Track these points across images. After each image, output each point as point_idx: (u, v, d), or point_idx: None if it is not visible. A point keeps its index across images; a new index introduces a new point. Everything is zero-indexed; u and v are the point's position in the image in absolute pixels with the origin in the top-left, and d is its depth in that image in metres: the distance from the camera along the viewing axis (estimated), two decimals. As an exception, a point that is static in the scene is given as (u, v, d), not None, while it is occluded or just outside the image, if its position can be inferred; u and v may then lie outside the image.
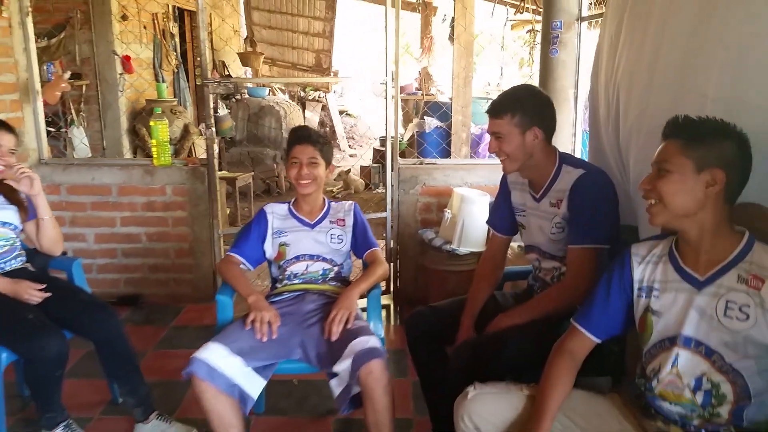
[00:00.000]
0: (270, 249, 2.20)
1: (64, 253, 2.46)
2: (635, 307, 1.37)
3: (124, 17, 4.87)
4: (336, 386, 1.88)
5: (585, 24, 3.09)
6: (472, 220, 3.16)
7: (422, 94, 7.16)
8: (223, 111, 7.01)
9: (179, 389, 2.60)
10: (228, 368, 1.82)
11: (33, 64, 3.42)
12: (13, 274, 2.23)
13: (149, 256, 3.52)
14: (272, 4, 9.02)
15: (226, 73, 7.21)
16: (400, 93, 3.48)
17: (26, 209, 2.32)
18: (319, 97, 10.10)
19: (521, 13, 4.87)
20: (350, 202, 2.32)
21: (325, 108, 10.22)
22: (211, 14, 7.16)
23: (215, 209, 3.34)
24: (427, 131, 4.94)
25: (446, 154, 4.52)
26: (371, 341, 1.86)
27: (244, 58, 7.17)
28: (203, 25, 3.07)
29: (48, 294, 2.16)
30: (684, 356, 1.26)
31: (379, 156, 6.77)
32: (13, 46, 3.30)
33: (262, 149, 7.56)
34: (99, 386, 2.53)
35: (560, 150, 1.93)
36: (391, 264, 3.48)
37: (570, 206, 1.78)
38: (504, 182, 2.09)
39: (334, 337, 1.89)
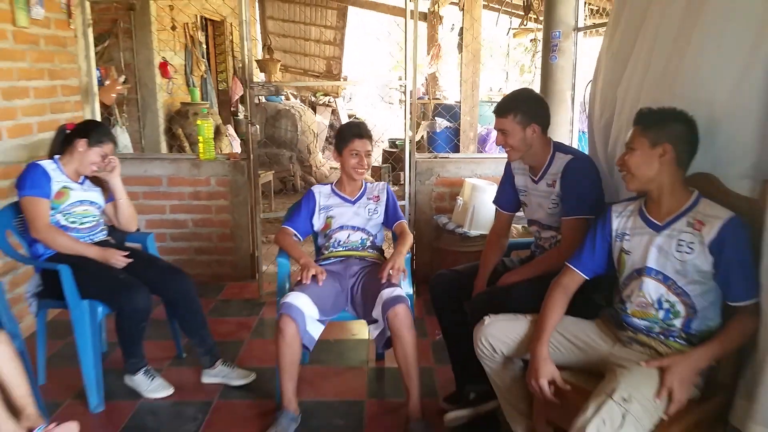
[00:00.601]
0: (318, 222, 2.64)
1: (137, 230, 2.90)
2: (613, 250, 1.81)
3: (173, 27, 5.29)
4: (374, 330, 2.33)
5: (581, 34, 3.53)
6: (481, 207, 3.59)
7: (429, 98, 7.61)
8: (242, 114, 7.46)
9: (233, 347, 3.03)
10: (309, 312, 2.26)
11: (92, 70, 3.88)
12: (98, 245, 2.66)
13: (195, 240, 3.96)
14: (286, 13, 9.49)
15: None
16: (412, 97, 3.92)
17: (108, 190, 2.76)
18: (329, 101, 10.56)
19: (525, 24, 5.30)
20: (383, 183, 2.76)
21: (334, 112, 10.66)
22: (231, 24, 7.62)
23: (258, 195, 3.77)
24: (439, 130, 5.39)
25: (456, 150, 4.96)
26: (396, 291, 2.30)
27: (262, 65, 7.61)
28: (247, 36, 3.52)
29: (131, 260, 2.60)
30: (648, 283, 1.70)
31: (388, 156, 7.20)
32: (77, 53, 3.75)
33: (279, 150, 7.99)
34: (166, 345, 2.97)
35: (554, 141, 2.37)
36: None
37: (562, 185, 2.22)
38: (508, 168, 2.52)
39: (385, 280, 2.32)
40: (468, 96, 5.34)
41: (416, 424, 2.28)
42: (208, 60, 7.11)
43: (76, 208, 2.64)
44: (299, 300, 2.27)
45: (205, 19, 6.95)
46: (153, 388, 2.58)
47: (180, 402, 2.56)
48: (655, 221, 1.72)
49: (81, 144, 2.61)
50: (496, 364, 1.93)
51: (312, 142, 8.23)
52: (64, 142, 2.67)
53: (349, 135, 2.58)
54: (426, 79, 8.48)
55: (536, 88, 3.92)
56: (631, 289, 1.75)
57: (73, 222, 2.61)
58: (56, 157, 2.65)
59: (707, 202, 1.67)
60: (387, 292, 2.29)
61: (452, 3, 6.82)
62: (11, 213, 2.65)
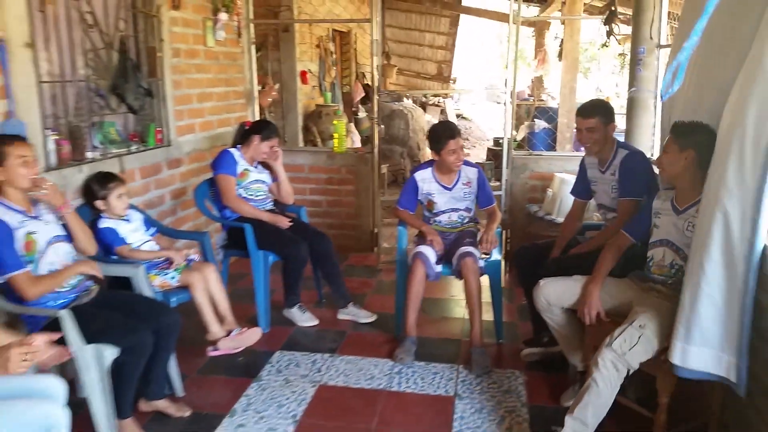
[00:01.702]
0: (423, 199, 3.38)
1: (293, 203, 3.82)
2: (652, 223, 2.44)
3: (318, 46, 6.26)
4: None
5: (663, 50, 4.02)
6: (568, 197, 4.15)
7: (534, 100, 8.15)
8: (362, 114, 8.41)
9: (359, 298, 3.85)
10: (431, 258, 3.09)
11: (254, 79, 4.91)
12: (268, 212, 3.59)
13: (327, 217, 4.88)
14: (403, 22, 10.36)
15: (365, 82, 8.61)
16: (514, 98, 4.59)
17: (273, 172, 3.70)
18: (438, 101, 11.33)
19: (609, 39, 5.67)
20: (475, 168, 3.38)
21: (443, 112, 11.41)
22: (356, 34, 8.59)
23: (379, 183, 4.62)
24: (537, 131, 5.99)
25: (552, 149, 5.56)
26: (470, 248, 3.06)
27: (381, 70, 8.53)
28: (377, 51, 4.36)
29: (292, 223, 3.51)
30: (665, 251, 2.31)
31: (491, 154, 7.82)
32: (244, 65, 4.79)
33: (392, 147, 8.85)
34: (310, 294, 3.84)
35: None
36: (503, 232, 4.58)
37: (619, 174, 2.85)
38: (582, 164, 3.17)
39: (483, 252, 3.09)
40: (566, 99, 5.89)
41: (475, 349, 3.04)
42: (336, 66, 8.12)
43: (253, 185, 3.58)
44: (426, 250, 3.10)
45: (335, 31, 7.97)
46: (304, 318, 3.50)
47: (322, 330, 3.45)
48: (677, 206, 2.32)
49: (256, 138, 3.55)
50: (553, 314, 2.61)
51: (421, 139, 9.02)
52: (243, 135, 3.63)
53: (443, 137, 3.17)
54: (532, 82, 9.01)
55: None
56: (653, 253, 2.39)
57: (250, 195, 3.56)
58: (238, 146, 3.61)
59: None
60: (462, 249, 3.05)
61: (553, 18, 7.33)
62: (206, 187, 3.65)
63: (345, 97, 8.21)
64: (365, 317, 3.53)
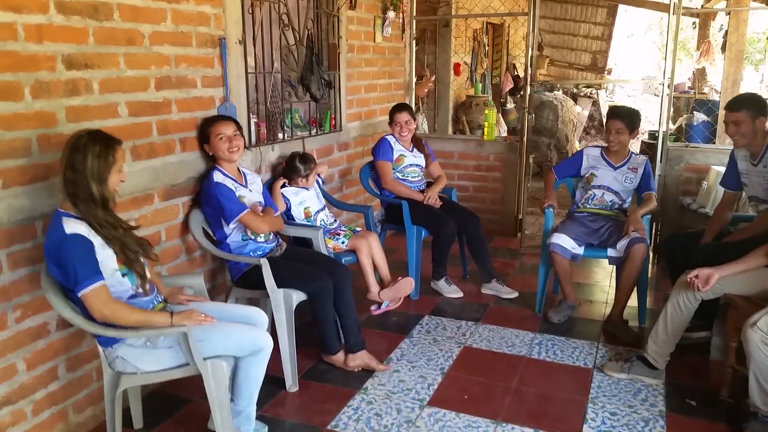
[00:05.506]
0: (583, 173, 3.55)
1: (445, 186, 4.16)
2: None
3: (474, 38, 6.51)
4: (613, 254, 3.26)
5: None
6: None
7: (695, 93, 7.71)
8: (510, 105, 8.52)
9: (502, 277, 4.10)
10: (566, 244, 3.29)
11: (413, 71, 5.31)
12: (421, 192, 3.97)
13: (473, 201, 5.16)
14: (558, 12, 10.24)
15: (516, 73, 8.70)
16: (673, 90, 4.51)
17: (428, 156, 4.05)
18: (590, 93, 11.02)
19: None
20: (644, 156, 3.52)
21: (595, 103, 11.09)
22: (509, 26, 8.71)
23: (529, 167, 4.82)
24: (695, 124, 5.76)
25: (710, 142, 5.34)
26: (641, 236, 3.16)
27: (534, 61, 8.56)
28: (533, 45, 4.54)
29: (442, 203, 3.86)
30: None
31: (645, 147, 7.56)
32: (403, 59, 5.20)
33: (539, 138, 8.84)
34: (456, 270, 4.16)
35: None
36: (653, 224, 4.55)
37: None
38: (732, 156, 3.16)
39: (630, 236, 3.19)
40: (728, 92, 5.59)
41: (613, 323, 3.28)
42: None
43: (408, 168, 3.97)
44: (560, 239, 3.29)
45: (488, 23, 8.16)
46: (450, 290, 3.83)
47: (466, 302, 3.76)
48: None
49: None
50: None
51: (571, 131, 8.92)
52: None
53: (607, 122, 3.45)
54: (693, 74, 8.51)
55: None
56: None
57: (405, 177, 3.96)
58: (393, 133, 4.01)
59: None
60: (635, 235, 3.17)
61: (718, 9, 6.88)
62: (368, 169, 4.10)
63: (494, 88, 8.38)
64: (507, 293, 3.78)
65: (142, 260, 2.15)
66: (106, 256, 2.01)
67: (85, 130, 2.02)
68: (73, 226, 1.96)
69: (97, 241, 1.99)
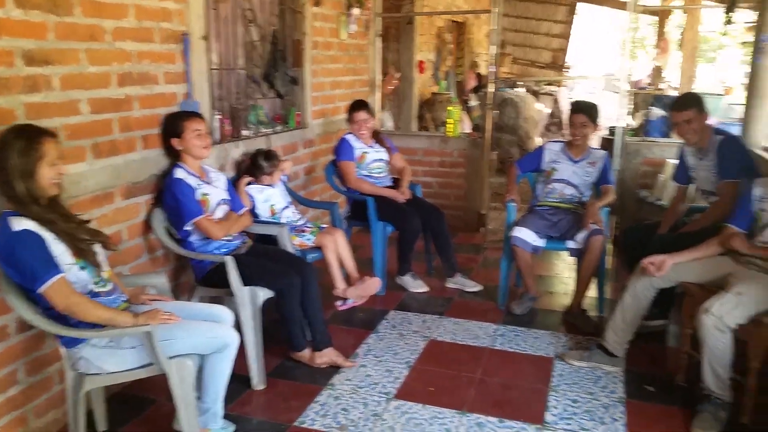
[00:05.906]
0: (544, 167, 3.63)
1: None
2: (753, 209, 2.55)
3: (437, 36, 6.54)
4: (572, 244, 3.35)
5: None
6: (679, 184, 4.23)
7: (653, 89, 7.95)
8: (473, 103, 8.62)
9: (465, 272, 4.18)
10: (528, 237, 3.36)
11: (378, 68, 5.33)
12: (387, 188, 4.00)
13: (437, 197, 5.21)
14: (520, 11, 10.41)
15: (478, 71, 8.81)
16: (632, 87, 4.65)
17: (389, 149, 4.08)
18: (551, 91, 11.23)
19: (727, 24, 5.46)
20: (604, 151, 3.63)
21: (556, 100, 11.31)
22: (472, 24, 8.81)
23: (492, 163, 4.90)
24: (653, 119, 5.94)
25: (666, 137, 5.54)
26: (599, 228, 3.27)
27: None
28: (497, 43, 4.62)
29: (409, 197, 3.89)
30: None
31: (605, 143, 7.76)
32: (369, 56, 5.22)
33: (501, 135, 8.99)
34: (420, 266, 4.21)
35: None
36: (613, 217, 4.68)
37: (717, 159, 2.97)
38: (682, 153, 3.29)
39: (589, 229, 3.28)
40: (684, 88, 5.81)
41: (573, 313, 3.40)
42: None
43: (372, 164, 3.99)
44: (521, 232, 3.36)
45: (452, 21, 8.25)
46: (415, 285, 3.88)
47: (431, 296, 3.82)
48: None
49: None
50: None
51: (532, 128, 9.07)
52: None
53: (571, 116, 3.52)
54: (652, 71, 8.76)
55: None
56: (763, 235, 2.50)
57: (369, 173, 3.97)
58: (352, 131, 4.01)
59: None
60: (593, 227, 3.27)
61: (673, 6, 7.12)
62: (332, 167, 4.10)
63: (458, 85, 8.47)
64: (471, 287, 3.85)
65: (94, 250, 2.11)
66: (60, 251, 1.98)
67: (12, 126, 1.96)
68: (22, 223, 1.91)
69: (48, 236, 1.95)
